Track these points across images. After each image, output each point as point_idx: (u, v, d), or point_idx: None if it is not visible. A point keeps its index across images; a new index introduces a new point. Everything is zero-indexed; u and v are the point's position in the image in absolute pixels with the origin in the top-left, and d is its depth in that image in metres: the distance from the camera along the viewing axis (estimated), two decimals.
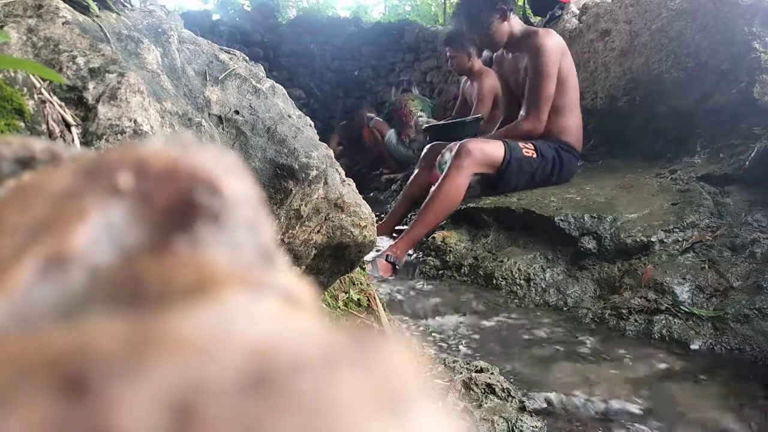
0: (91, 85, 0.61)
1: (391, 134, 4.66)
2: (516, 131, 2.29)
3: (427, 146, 2.70)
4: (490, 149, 2.17)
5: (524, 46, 2.29)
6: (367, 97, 6.32)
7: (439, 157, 2.42)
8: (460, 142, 2.20)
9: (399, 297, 1.75)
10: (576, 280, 1.74)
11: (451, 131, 2.85)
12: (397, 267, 2.02)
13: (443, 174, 2.15)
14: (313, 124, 0.98)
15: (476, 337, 1.45)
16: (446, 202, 2.11)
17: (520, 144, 2.23)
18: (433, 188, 2.17)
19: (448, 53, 3.66)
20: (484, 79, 3.49)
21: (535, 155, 2.23)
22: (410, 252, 2.17)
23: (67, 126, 0.57)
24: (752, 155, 1.75)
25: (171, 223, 0.15)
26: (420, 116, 4.46)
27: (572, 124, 2.35)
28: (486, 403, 0.95)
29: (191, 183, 0.16)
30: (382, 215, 2.59)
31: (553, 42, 2.24)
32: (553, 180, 2.29)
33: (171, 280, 0.14)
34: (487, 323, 1.55)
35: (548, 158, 2.26)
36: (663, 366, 1.25)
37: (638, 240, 1.68)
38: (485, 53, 4.24)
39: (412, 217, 2.61)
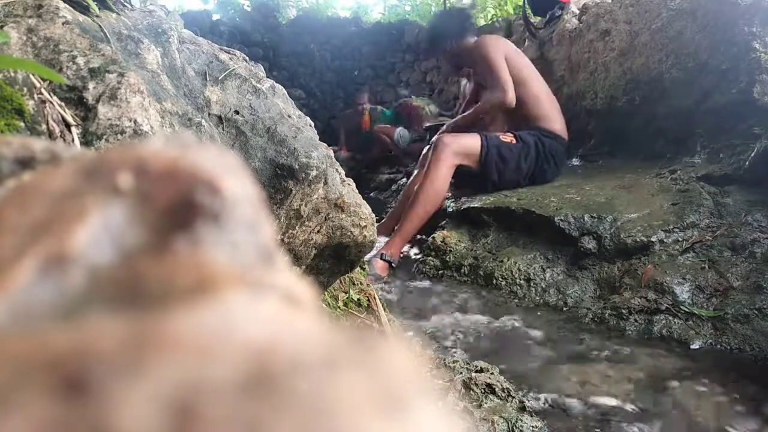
0: (91, 85, 0.61)
1: (400, 132, 4.71)
2: (485, 102, 2.41)
3: (427, 147, 2.71)
4: (465, 139, 2.24)
5: (476, 53, 2.46)
6: (365, 86, 6.41)
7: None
8: (435, 136, 2.29)
9: (399, 297, 1.75)
10: (576, 280, 1.74)
11: None
12: (393, 266, 2.02)
13: (424, 171, 2.20)
14: (313, 124, 0.98)
15: (476, 337, 1.45)
16: (432, 194, 2.13)
17: (498, 133, 2.32)
18: (416, 186, 2.21)
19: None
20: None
21: (514, 141, 2.28)
22: (407, 251, 2.17)
23: (67, 126, 0.57)
24: (752, 155, 1.75)
25: (171, 223, 0.15)
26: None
27: (546, 113, 2.41)
28: (486, 403, 0.95)
29: (191, 183, 0.16)
30: (383, 215, 2.59)
31: (490, 40, 2.45)
32: (545, 169, 2.31)
33: (171, 280, 0.14)
34: (487, 323, 1.55)
35: (530, 144, 2.30)
36: (663, 366, 1.25)
37: (638, 240, 1.68)
38: None
39: None
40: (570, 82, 3.19)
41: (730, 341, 1.35)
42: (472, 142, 2.23)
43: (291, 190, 0.84)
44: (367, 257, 1.90)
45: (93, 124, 0.59)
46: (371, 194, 4.27)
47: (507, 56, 2.40)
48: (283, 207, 0.85)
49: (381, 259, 2.00)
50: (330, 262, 1.03)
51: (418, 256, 2.15)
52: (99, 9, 0.74)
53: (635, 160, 2.50)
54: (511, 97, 2.32)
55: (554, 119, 2.42)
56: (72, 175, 0.17)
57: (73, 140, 0.57)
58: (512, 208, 2.04)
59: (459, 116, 2.60)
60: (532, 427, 0.92)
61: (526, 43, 3.92)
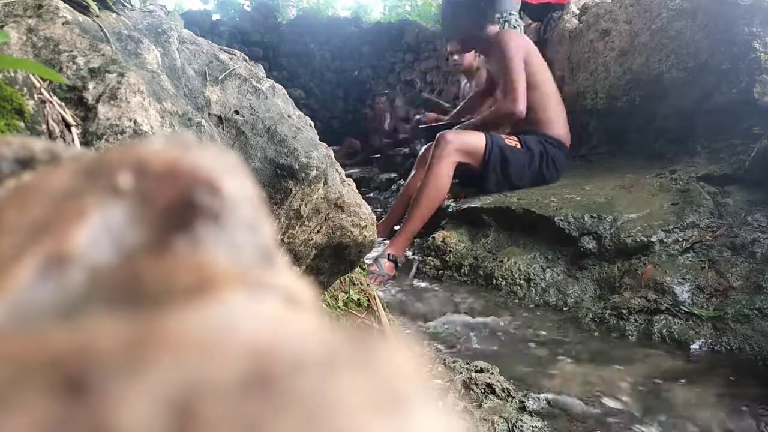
0: (91, 85, 0.61)
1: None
2: (495, 112, 2.33)
3: (424, 147, 2.70)
4: (469, 137, 2.21)
5: (495, 46, 2.37)
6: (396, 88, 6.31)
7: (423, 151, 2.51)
8: (439, 133, 2.23)
9: (399, 297, 1.75)
10: (576, 280, 1.74)
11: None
12: (398, 265, 2.03)
13: (426, 168, 2.18)
14: (313, 124, 0.98)
15: (476, 337, 1.45)
16: (434, 192, 2.13)
17: (503, 135, 2.27)
18: (419, 184, 2.20)
19: (449, 49, 3.66)
20: (480, 77, 3.49)
21: (519, 146, 2.25)
22: (409, 252, 2.18)
23: (67, 126, 0.57)
24: (752, 155, 1.75)
25: (171, 223, 0.15)
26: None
27: (552, 118, 2.38)
28: (486, 403, 0.95)
29: (191, 183, 0.16)
30: (383, 215, 2.59)
31: (512, 36, 2.35)
32: (545, 175, 2.30)
33: (171, 280, 0.14)
34: (487, 323, 1.55)
35: (535, 151, 2.27)
36: (663, 366, 1.25)
37: (638, 240, 1.68)
38: None
39: None
40: (570, 82, 3.19)
41: (730, 341, 1.35)
42: (476, 140, 2.21)
43: (291, 190, 0.84)
44: (371, 257, 1.91)
45: (93, 124, 0.59)
46: (371, 194, 4.27)
47: (526, 57, 2.32)
48: (283, 207, 0.85)
49: (388, 259, 2.00)
50: (330, 262, 1.03)
51: (418, 257, 2.15)
52: (99, 9, 0.74)
53: (635, 160, 2.50)
54: (521, 108, 2.25)
55: (560, 125, 2.38)
56: (72, 175, 0.17)
57: (73, 140, 0.57)
58: (512, 208, 2.04)
59: (465, 121, 2.51)
60: (532, 427, 0.92)
61: None
